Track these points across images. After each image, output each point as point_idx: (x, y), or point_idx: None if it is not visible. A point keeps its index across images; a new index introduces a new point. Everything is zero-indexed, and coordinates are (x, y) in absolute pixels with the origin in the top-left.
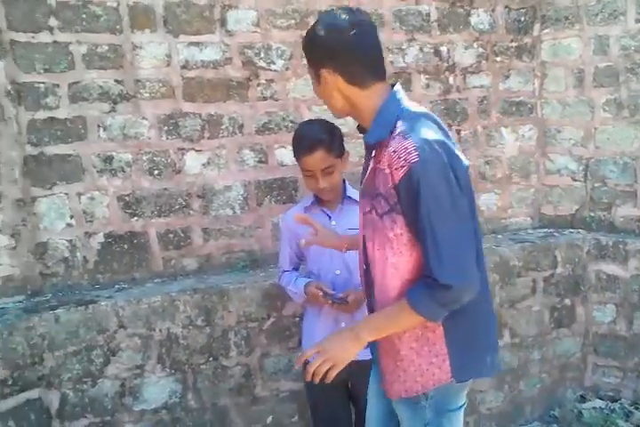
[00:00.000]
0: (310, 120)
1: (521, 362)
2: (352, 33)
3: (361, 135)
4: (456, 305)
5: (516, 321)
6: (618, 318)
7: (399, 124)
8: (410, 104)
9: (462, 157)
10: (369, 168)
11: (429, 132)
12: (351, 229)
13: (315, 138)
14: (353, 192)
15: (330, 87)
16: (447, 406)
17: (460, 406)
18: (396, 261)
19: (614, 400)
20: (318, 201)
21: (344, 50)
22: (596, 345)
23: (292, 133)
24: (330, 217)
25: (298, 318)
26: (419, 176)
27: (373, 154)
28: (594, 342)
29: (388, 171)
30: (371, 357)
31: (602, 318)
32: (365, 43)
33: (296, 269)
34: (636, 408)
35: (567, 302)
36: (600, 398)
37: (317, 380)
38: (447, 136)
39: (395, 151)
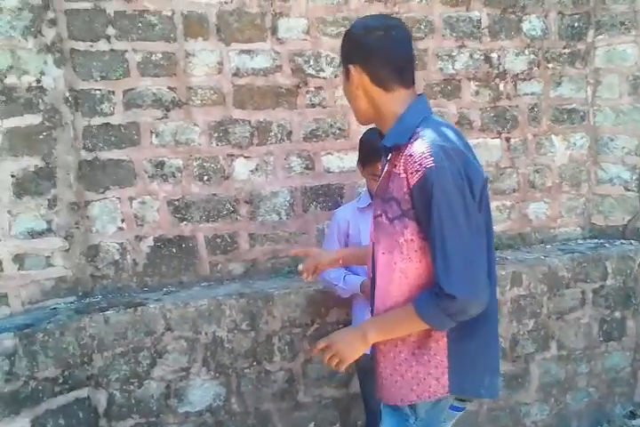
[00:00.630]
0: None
1: (568, 375)
2: (384, 34)
3: None
4: (463, 317)
5: (563, 333)
6: None
7: (418, 130)
8: (432, 114)
9: (480, 168)
10: (383, 172)
11: (447, 140)
12: None
13: None
14: None
15: (355, 85)
16: None
17: None
18: (405, 267)
19: None
20: None
21: (374, 49)
22: None
23: (340, 140)
24: None
25: (342, 325)
26: (433, 181)
27: (389, 157)
28: None
29: (403, 175)
30: None
31: None
32: (396, 46)
33: None
34: None
35: (617, 314)
36: None
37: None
38: (467, 147)
39: (411, 155)
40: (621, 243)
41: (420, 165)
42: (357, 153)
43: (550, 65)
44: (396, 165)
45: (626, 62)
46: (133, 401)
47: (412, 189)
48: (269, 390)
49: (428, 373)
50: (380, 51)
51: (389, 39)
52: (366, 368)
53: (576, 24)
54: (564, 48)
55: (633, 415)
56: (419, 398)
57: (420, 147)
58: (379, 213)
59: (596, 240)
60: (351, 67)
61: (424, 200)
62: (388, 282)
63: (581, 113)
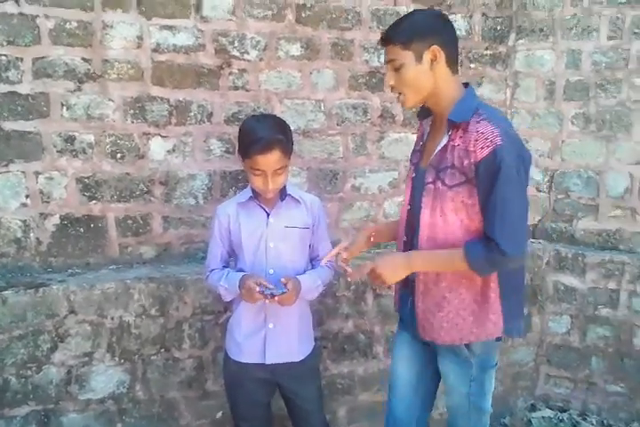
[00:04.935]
0: (260, 116)
1: None
2: (448, 20)
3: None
4: (503, 268)
5: None
6: (572, 329)
7: (480, 111)
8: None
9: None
10: (440, 144)
11: (509, 126)
12: (288, 226)
13: (272, 138)
14: (292, 190)
15: (430, 66)
16: (488, 363)
17: (496, 364)
18: (469, 225)
19: (563, 411)
20: (255, 196)
21: (450, 32)
22: (549, 355)
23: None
24: (268, 214)
25: None
26: (502, 157)
27: (450, 132)
28: (547, 352)
29: (472, 148)
30: (298, 360)
31: (556, 328)
32: (455, 34)
33: (225, 267)
34: (584, 419)
35: (524, 311)
36: (550, 408)
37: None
38: None
39: (482, 133)
40: (531, 242)
41: (491, 142)
42: (237, 142)
43: (472, 65)
44: (454, 140)
45: (543, 68)
46: (30, 387)
47: (479, 161)
48: (177, 377)
49: (488, 317)
50: (453, 34)
51: (452, 26)
52: (236, 376)
53: (499, 27)
54: (486, 49)
55: (534, 408)
56: (476, 339)
57: (489, 127)
58: (430, 180)
59: None
60: (435, 47)
61: (489, 172)
62: (444, 239)
63: None
